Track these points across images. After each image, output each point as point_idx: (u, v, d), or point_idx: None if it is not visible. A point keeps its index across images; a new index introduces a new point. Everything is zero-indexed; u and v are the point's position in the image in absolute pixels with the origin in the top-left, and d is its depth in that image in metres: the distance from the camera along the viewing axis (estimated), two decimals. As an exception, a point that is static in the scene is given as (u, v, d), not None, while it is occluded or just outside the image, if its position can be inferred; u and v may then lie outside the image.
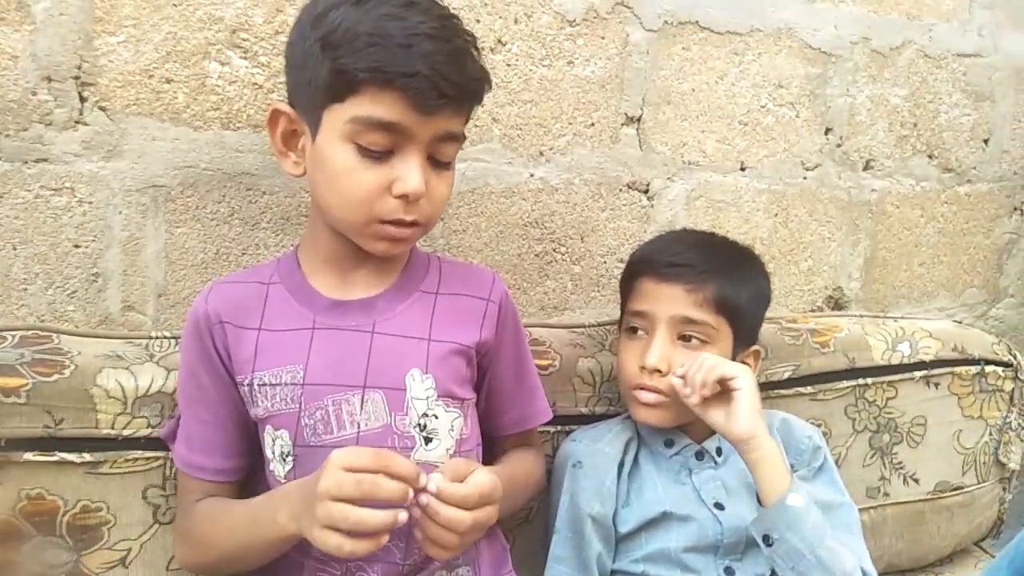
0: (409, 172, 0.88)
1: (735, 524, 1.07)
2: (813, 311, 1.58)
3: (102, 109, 1.11)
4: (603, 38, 1.35)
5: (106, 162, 1.12)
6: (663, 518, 1.09)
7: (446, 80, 0.86)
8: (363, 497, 0.79)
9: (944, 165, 1.65)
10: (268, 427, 0.95)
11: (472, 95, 0.92)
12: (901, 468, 1.38)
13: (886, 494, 1.37)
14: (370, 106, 0.86)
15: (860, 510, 1.32)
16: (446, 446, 0.96)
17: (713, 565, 1.08)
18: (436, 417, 0.96)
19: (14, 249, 1.10)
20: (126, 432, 0.99)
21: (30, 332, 1.03)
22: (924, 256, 1.68)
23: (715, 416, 1.03)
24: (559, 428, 1.20)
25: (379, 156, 0.89)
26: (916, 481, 1.38)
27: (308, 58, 0.89)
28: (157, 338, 1.08)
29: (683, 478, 1.12)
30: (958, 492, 1.41)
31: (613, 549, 1.11)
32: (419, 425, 0.94)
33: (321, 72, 0.87)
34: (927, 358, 1.38)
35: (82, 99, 1.10)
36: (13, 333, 1.02)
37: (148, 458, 1.00)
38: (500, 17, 1.28)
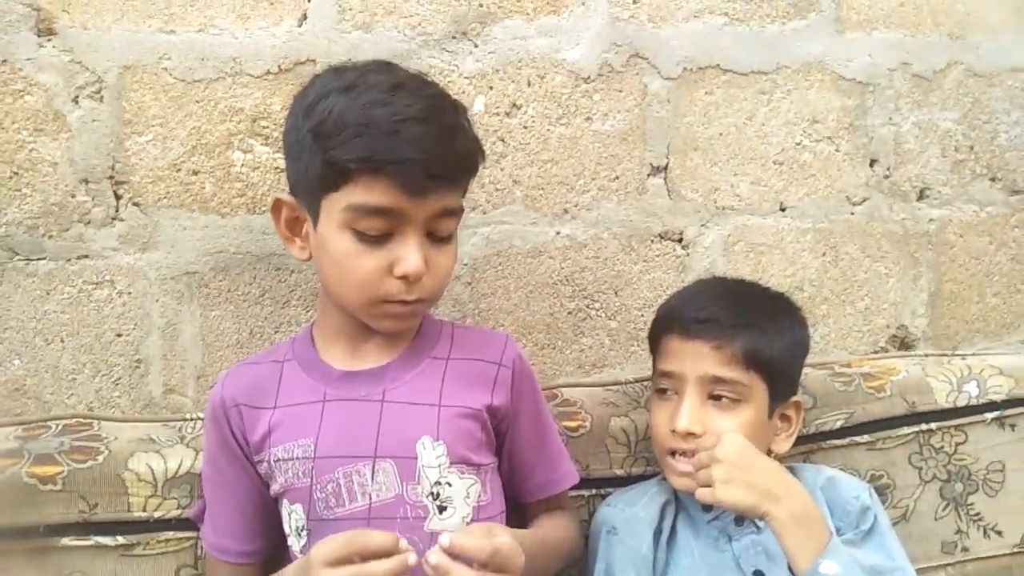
0: (408, 254, 0.90)
1: (775, 593, 1.00)
2: (875, 352, 1.49)
3: (136, 205, 1.18)
4: (620, 91, 1.34)
5: (142, 254, 1.19)
6: (701, 587, 1.04)
7: (436, 162, 0.88)
8: None
9: (1010, 187, 1.54)
10: (284, 501, 0.96)
11: (464, 171, 0.94)
12: (980, 520, 1.26)
13: (965, 549, 1.25)
14: (364, 194, 0.88)
15: (936, 568, 1.24)
16: (462, 514, 0.95)
17: (754, 635, 1.02)
18: (450, 484, 0.95)
19: (62, 342, 1.17)
20: (157, 514, 1.02)
21: (73, 420, 1.09)
22: (998, 286, 1.56)
23: (703, 494, 0.97)
24: (594, 492, 1.17)
25: (377, 240, 0.91)
26: (999, 534, 1.26)
27: (302, 148, 0.93)
28: (191, 419, 1.12)
29: (722, 545, 1.07)
30: (1050, 543, 1.28)
31: (652, 619, 1.06)
32: (432, 494, 0.94)
33: (315, 163, 0.90)
34: (998, 398, 1.27)
35: (117, 197, 1.17)
36: (58, 422, 1.08)
37: (180, 538, 1.03)
38: (513, 81, 1.29)
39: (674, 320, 1.11)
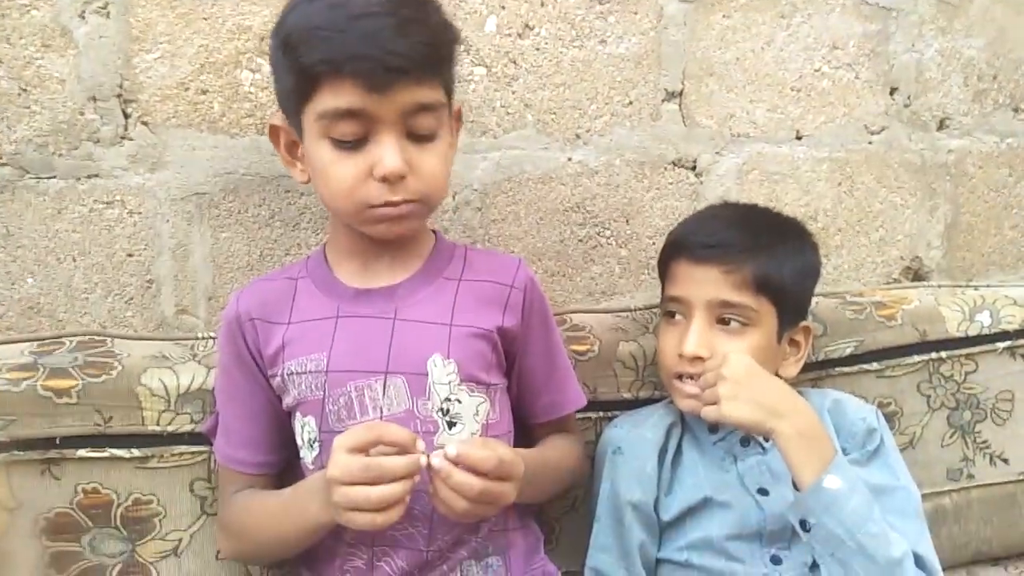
0: (384, 153, 0.89)
1: (779, 510, 1.01)
2: (889, 284, 1.48)
3: (144, 124, 1.17)
4: (635, 13, 1.31)
5: (151, 174, 1.18)
6: (704, 504, 1.05)
7: (392, 54, 0.85)
8: (374, 481, 0.81)
9: (1033, 118, 1.51)
10: (297, 414, 0.98)
11: (427, 62, 0.89)
12: (987, 448, 1.27)
13: (970, 476, 1.26)
14: (330, 98, 0.87)
15: (941, 493, 1.26)
16: (471, 430, 0.96)
17: (759, 553, 1.03)
18: (459, 402, 0.95)
19: (74, 261, 1.18)
20: (170, 428, 1.04)
21: (86, 337, 1.10)
22: (1016, 218, 1.54)
23: (709, 412, 0.98)
24: (601, 414, 1.18)
25: (353, 145, 0.90)
26: (1005, 461, 1.27)
27: (277, 65, 0.93)
28: (203, 339, 1.13)
29: (727, 465, 1.08)
30: (1055, 472, 1.29)
31: (657, 537, 1.08)
32: (442, 410, 0.95)
33: (287, 75, 0.90)
34: (1011, 327, 1.27)
35: (126, 115, 1.16)
36: (72, 339, 1.09)
37: (193, 453, 1.05)
38: (526, 1, 1.26)
39: (684, 245, 1.10)
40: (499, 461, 0.85)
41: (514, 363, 1.04)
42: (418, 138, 0.92)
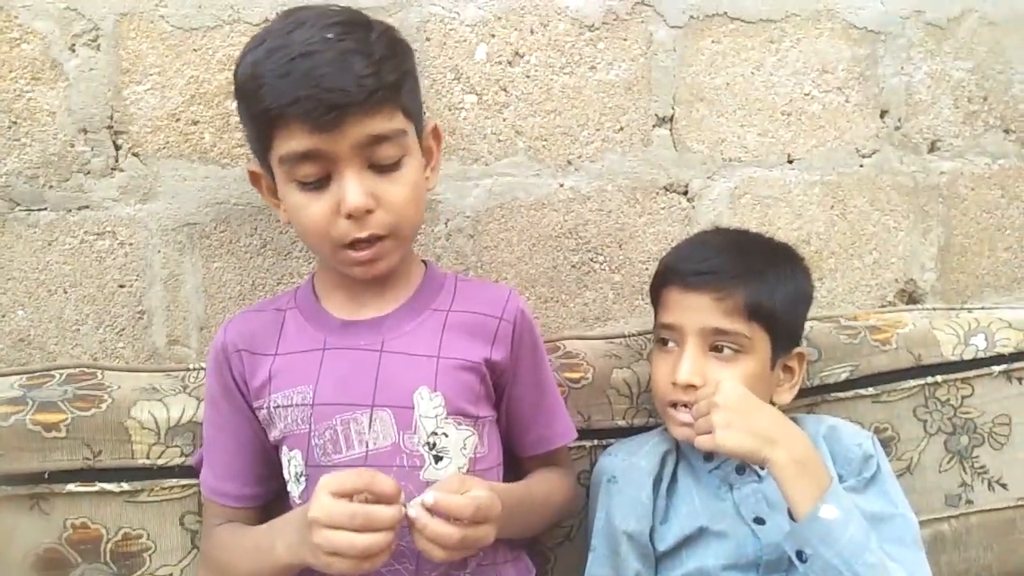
0: (346, 191, 0.89)
1: (775, 540, 1.00)
2: (883, 307, 1.48)
3: (135, 155, 1.17)
4: (625, 40, 1.31)
5: (143, 204, 1.18)
6: (700, 534, 1.04)
7: (331, 91, 0.85)
8: (359, 529, 0.80)
9: (1024, 139, 1.52)
10: (284, 448, 0.97)
11: (371, 93, 0.87)
12: (984, 473, 1.26)
13: (969, 501, 1.25)
14: (285, 143, 0.88)
15: (939, 520, 1.24)
16: (458, 464, 0.95)
17: (756, 583, 1.02)
18: (446, 435, 0.95)
19: (65, 292, 1.17)
20: (160, 461, 1.03)
21: (76, 370, 1.09)
22: (1009, 240, 1.54)
23: (703, 441, 0.97)
24: (596, 442, 1.17)
25: (317, 185, 0.90)
26: (1003, 486, 1.26)
27: (239, 113, 0.95)
28: (193, 370, 1.12)
29: (723, 493, 1.07)
30: (1054, 497, 1.28)
31: (653, 567, 1.06)
32: (428, 443, 0.94)
33: (247, 124, 0.93)
34: (1006, 351, 1.27)
35: (116, 147, 1.17)
36: (62, 371, 1.09)
37: (183, 486, 1.04)
38: (516, 29, 1.27)
39: (675, 272, 1.10)
40: (475, 508, 0.83)
41: (503, 395, 1.03)
42: (382, 168, 0.91)
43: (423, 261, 1.07)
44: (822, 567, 0.90)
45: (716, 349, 1.05)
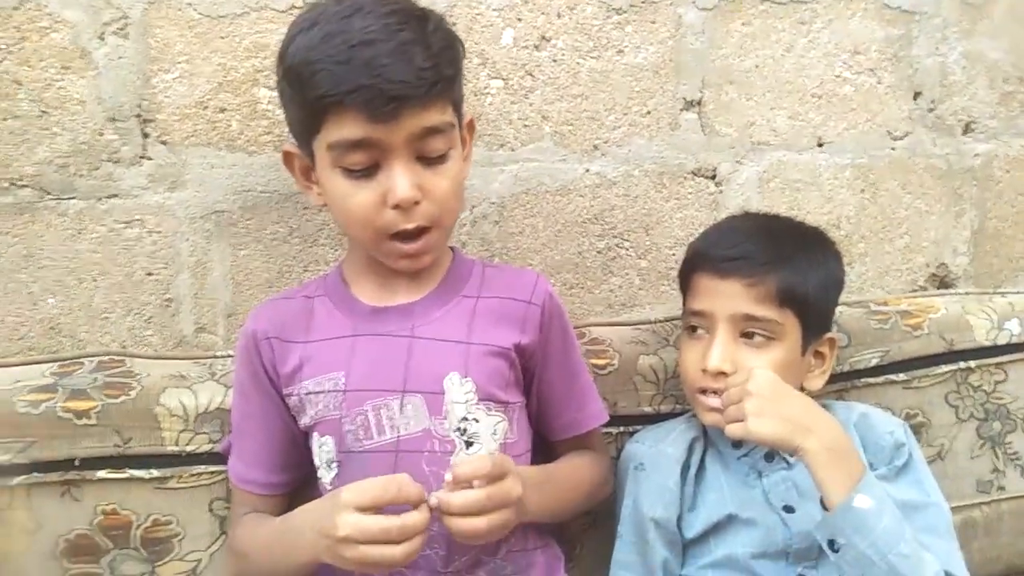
0: (396, 182, 0.88)
1: (806, 528, 0.99)
2: (914, 291, 1.46)
3: (163, 143, 1.18)
4: (653, 22, 1.30)
5: (171, 192, 1.19)
6: (729, 522, 1.03)
7: (393, 82, 0.84)
8: (392, 541, 0.81)
9: (1061, 120, 1.48)
10: (315, 434, 0.97)
11: (431, 85, 0.87)
12: (1017, 459, 1.25)
13: (1001, 488, 1.24)
14: (337, 130, 0.87)
15: (970, 506, 1.23)
16: (489, 449, 0.95)
17: (785, 572, 1.01)
18: (477, 421, 0.95)
19: (94, 281, 1.18)
20: (189, 448, 1.04)
21: (106, 358, 1.10)
22: (1045, 223, 1.51)
23: (734, 429, 0.95)
24: (622, 429, 1.16)
25: (365, 173, 0.89)
26: (1037, 473, 1.25)
27: (284, 96, 0.94)
28: (221, 357, 1.13)
29: (752, 481, 1.06)
30: (1088, 484, 1.26)
31: (680, 554, 1.06)
32: (459, 429, 0.94)
33: (294, 108, 0.91)
34: (1041, 336, 1.25)
35: (144, 135, 1.17)
36: (92, 359, 1.09)
37: (212, 472, 1.05)
38: (543, 13, 1.26)
39: (705, 258, 1.08)
40: (491, 462, 0.85)
41: (533, 380, 1.03)
42: (429, 161, 0.91)
43: (450, 248, 1.06)
44: (855, 557, 0.89)
45: (747, 336, 1.04)
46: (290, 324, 1.00)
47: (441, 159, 0.92)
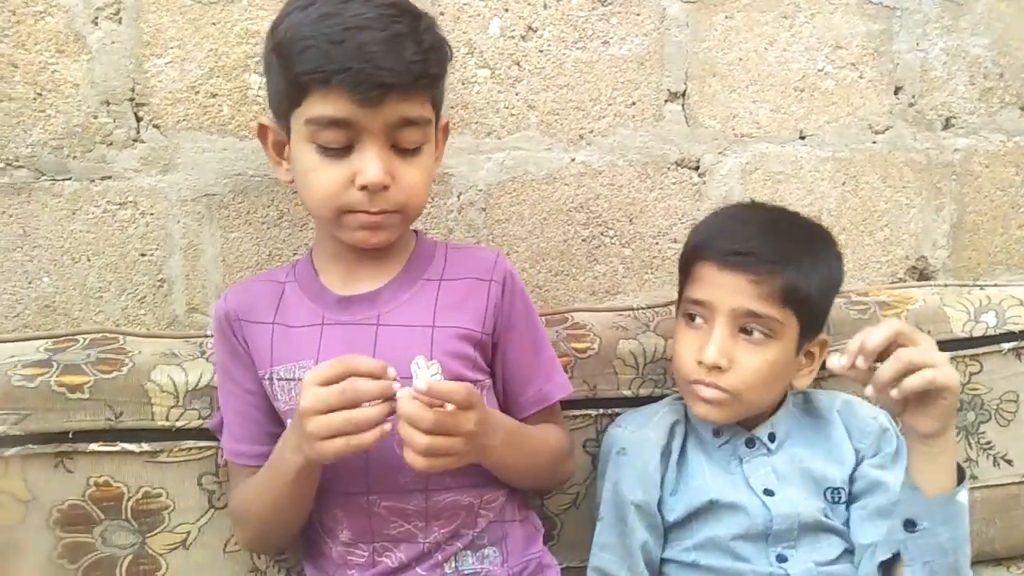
0: (366, 164, 0.91)
1: (785, 511, 1.02)
2: (894, 283, 1.48)
3: (156, 127, 1.20)
4: (638, 15, 1.32)
5: (163, 175, 1.21)
6: (711, 506, 1.05)
7: (382, 69, 0.87)
8: (350, 404, 0.84)
9: (1040, 117, 1.51)
10: (289, 421, 0.99)
11: (416, 79, 0.91)
12: (990, 448, 1.27)
13: (973, 476, 1.26)
14: (319, 106, 0.90)
15: (943, 493, 1.25)
16: None
17: (764, 553, 1.03)
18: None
19: (88, 260, 1.21)
20: (179, 423, 1.07)
21: (99, 335, 1.13)
22: (1023, 218, 1.54)
23: (907, 414, 0.92)
24: (601, 411, 1.19)
25: (338, 152, 0.92)
26: (1008, 462, 1.27)
27: (270, 69, 0.96)
28: (210, 336, 1.15)
29: (732, 467, 1.08)
30: (1058, 473, 1.28)
31: (661, 537, 1.08)
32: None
33: (279, 80, 0.93)
34: (1016, 328, 1.27)
35: (137, 119, 1.19)
36: (85, 336, 1.13)
37: (201, 447, 1.07)
38: (529, 4, 1.28)
39: (712, 248, 1.06)
40: (467, 392, 0.86)
41: (497, 356, 1.05)
42: (403, 151, 0.94)
43: (413, 231, 1.09)
44: (932, 544, 0.90)
45: (745, 331, 1.03)
46: (257, 306, 1.03)
47: (415, 151, 0.95)
